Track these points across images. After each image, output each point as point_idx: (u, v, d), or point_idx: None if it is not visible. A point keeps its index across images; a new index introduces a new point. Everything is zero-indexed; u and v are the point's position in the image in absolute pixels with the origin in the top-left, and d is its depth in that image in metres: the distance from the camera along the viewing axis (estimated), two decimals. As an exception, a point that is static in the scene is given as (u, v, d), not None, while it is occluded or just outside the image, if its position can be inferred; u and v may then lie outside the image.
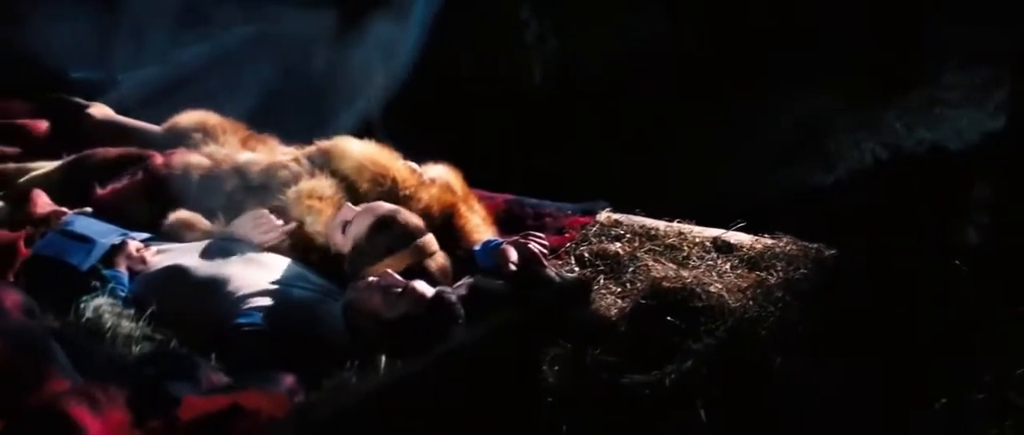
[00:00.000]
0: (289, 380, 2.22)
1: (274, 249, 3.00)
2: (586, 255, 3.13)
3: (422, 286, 2.72)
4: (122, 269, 2.87)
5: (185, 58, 4.19)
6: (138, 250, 2.94)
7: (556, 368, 2.51)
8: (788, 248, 3.12)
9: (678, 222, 3.32)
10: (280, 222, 3.00)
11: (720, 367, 2.62)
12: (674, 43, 4.50)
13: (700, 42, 4.52)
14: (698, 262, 3.07)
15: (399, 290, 2.70)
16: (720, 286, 2.81)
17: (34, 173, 3.41)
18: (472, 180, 3.39)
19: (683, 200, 3.51)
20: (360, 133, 3.34)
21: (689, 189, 4.00)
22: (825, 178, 4.43)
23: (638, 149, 4.34)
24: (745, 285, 2.87)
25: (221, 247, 2.95)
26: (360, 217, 2.96)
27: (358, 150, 3.21)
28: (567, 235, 3.24)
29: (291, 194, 3.09)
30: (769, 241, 3.18)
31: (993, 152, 4.11)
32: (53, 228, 3.00)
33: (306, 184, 3.12)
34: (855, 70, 4.45)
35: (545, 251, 2.96)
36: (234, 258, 2.89)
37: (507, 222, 3.36)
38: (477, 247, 3.03)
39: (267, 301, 2.76)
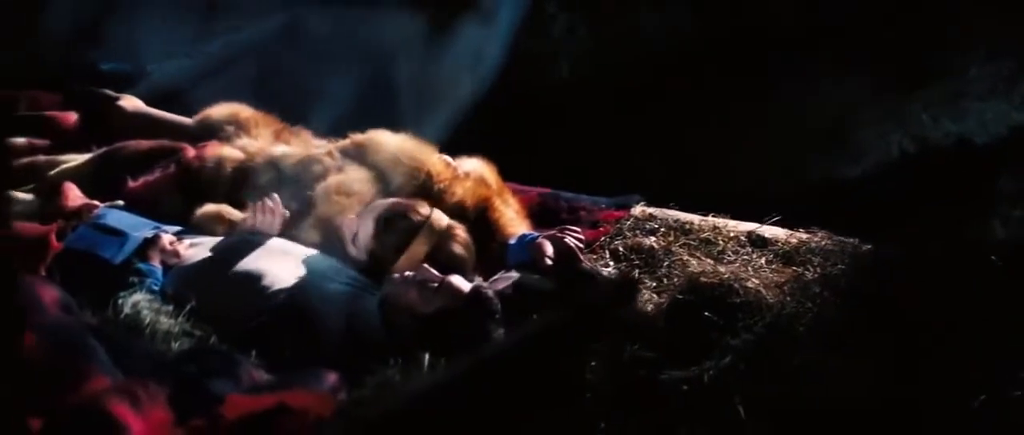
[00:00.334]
0: (332, 378, 2.20)
1: (308, 243, 2.99)
2: (621, 249, 3.12)
3: (459, 281, 2.71)
4: (155, 263, 2.86)
5: (214, 49, 4.17)
6: (171, 243, 2.92)
7: (593, 364, 2.50)
8: (823, 243, 3.10)
9: (713, 216, 3.30)
10: (282, 210, 2.97)
11: (758, 363, 2.61)
12: (701, 35, 4.48)
13: (726, 34, 4.49)
14: (733, 257, 3.05)
15: (435, 285, 2.68)
16: (757, 281, 2.80)
17: (65, 166, 3.40)
18: (503, 174, 3.36)
19: (710, 193, 3.50)
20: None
21: (716, 181, 3.98)
22: (852, 170, 4.40)
23: (665, 142, 4.31)
24: (782, 280, 2.85)
25: (254, 241, 2.94)
26: (362, 223, 2.95)
27: (393, 143, 3.19)
28: (601, 229, 3.23)
29: (319, 191, 3.08)
30: (804, 235, 3.17)
31: (1019, 144, 4.09)
32: (85, 221, 2.99)
33: (334, 179, 3.10)
34: (880, 62, 4.42)
35: (581, 245, 2.95)
36: (269, 252, 2.87)
37: (541, 216, 3.34)
38: (512, 241, 3.01)
39: (302, 296, 2.74)
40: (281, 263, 2.84)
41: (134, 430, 2.05)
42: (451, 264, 2.84)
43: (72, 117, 3.77)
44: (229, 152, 3.30)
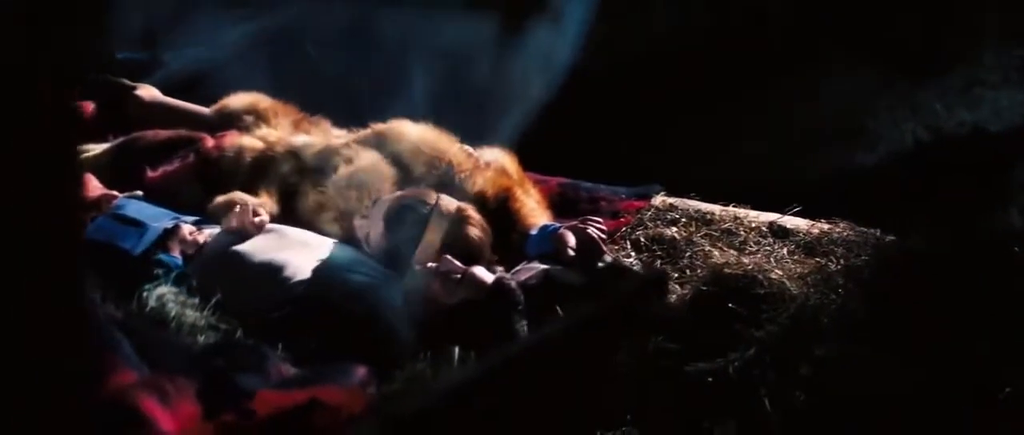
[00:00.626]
0: (361, 372, 2.18)
1: (329, 235, 2.98)
2: (642, 240, 3.11)
3: (482, 272, 2.70)
4: (176, 254, 2.84)
5: (232, 38, 4.15)
6: (191, 234, 2.90)
7: (618, 356, 2.49)
8: (845, 233, 3.10)
9: (734, 206, 3.29)
10: (260, 217, 2.94)
11: (783, 355, 2.60)
12: (715, 25, 4.46)
13: (740, 23, 4.47)
14: (755, 247, 3.05)
15: (458, 276, 2.68)
16: (780, 273, 2.79)
17: (82, 156, 3.38)
18: (523, 164, 3.35)
19: (723, 182, 3.49)
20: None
21: (730, 171, 3.96)
22: (867, 159, 4.39)
23: (677, 132, 4.30)
24: (805, 272, 2.85)
25: (276, 231, 2.93)
26: (371, 223, 2.93)
27: (414, 133, 3.18)
28: (622, 219, 3.22)
29: (332, 185, 3.06)
30: (826, 226, 3.16)
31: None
32: (104, 212, 2.96)
33: (345, 170, 3.09)
34: (893, 51, 4.40)
35: (603, 236, 2.94)
36: (289, 243, 2.86)
37: (561, 206, 3.33)
38: (533, 231, 3.00)
39: (324, 287, 2.73)
40: (302, 254, 2.83)
41: (162, 425, 2.02)
42: (468, 248, 2.83)
43: (89, 107, 3.75)
44: (248, 142, 3.29)
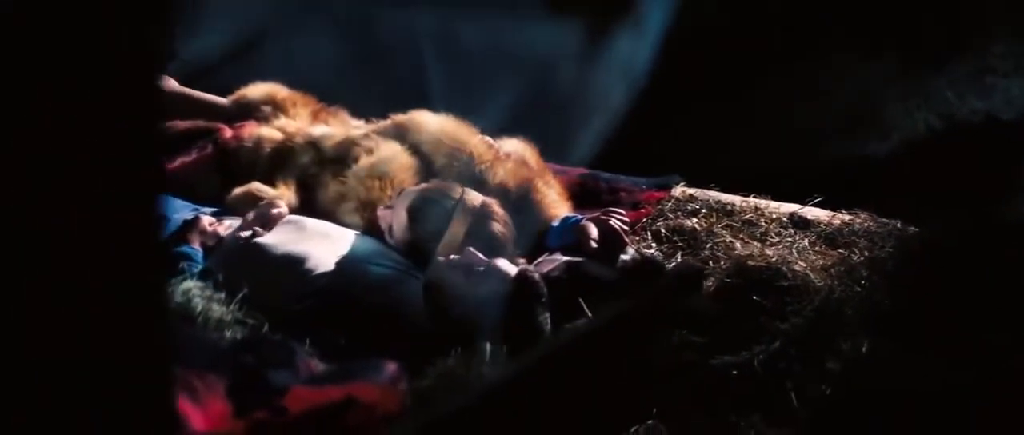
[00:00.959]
0: (392, 368, 2.15)
1: (350, 226, 2.96)
2: (663, 231, 3.09)
3: (505, 265, 2.69)
4: (195, 245, 2.83)
5: (248, 27, 4.12)
6: (211, 225, 2.89)
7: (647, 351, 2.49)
8: (867, 224, 3.09)
9: (754, 197, 3.28)
10: (279, 209, 2.92)
11: (809, 348, 2.60)
12: (725, 15, 4.44)
13: (751, 14, 4.46)
14: (777, 238, 3.03)
15: (481, 269, 2.66)
16: (804, 265, 2.79)
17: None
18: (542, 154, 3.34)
19: (740, 171, 3.47)
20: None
21: (746, 160, 3.96)
22: (880, 147, 4.38)
23: (689, 122, 4.29)
24: (828, 263, 2.84)
25: (295, 222, 2.91)
26: (395, 215, 2.92)
27: (435, 123, 3.16)
28: (643, 210, 3.20)
29: (353, 176, 3.05)
30: (847, 217, 3.15)
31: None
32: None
33: (366, 161, 3.07)
34: (905, 39, 4.39)
35: (626, 228, 2.92)
36: (310, 235, 2.84)
37: (581, 197, 3.31)
38: (555, 223, 2.99)
39: (346, 280, 2.72)
40: (323, 245, 2.81)
41: (193, 422, 2.00)
42: (492, 243, 2.81)
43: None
44: (267, 132, 3.27)
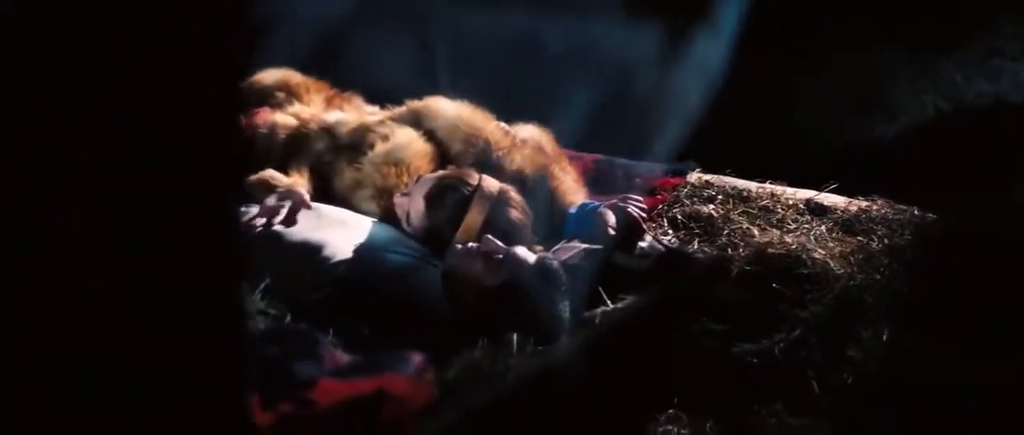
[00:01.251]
0: (418, 359, 2.14)
1: (367, 213, 2.94)
2: (679, 217, 3.08)
3: (523, 252, 2.67)
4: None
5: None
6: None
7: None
8: (883, 211, 3.08)
9: (770, 183, 3.27)
10: (303, 191, 2.90)
11: (829, 337, 2.59)
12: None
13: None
14: (794, 225, 3.02)
15: (500, 257, 2.65)
16: (823, 252, 2.78)
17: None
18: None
19: (750, 157, 3.46)
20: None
21: (755, 144, 3.94)
22: (888, 130, 4.37)
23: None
24: (847, 251, 2.83)
25: (313, 210, 2.88)
26: (412, 202, 2.90)
27: (450, 110, 3.13)
28: (659, 196, 3.19)
29: (368, 163, 3.02)
30: (863, 203, 3.14)
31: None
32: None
33: (382, 147, 3.05)
34: (912, 21, 4.38)
35: (643, 215, 2.91)
36: (327, 222, 2.82)
37: (596, 183, 3.29)
38: (572, 210, 2.97)
39: (364, 268, 2.70)
40: (341, 233, 2.79)
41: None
42: (510, 230, 2.80)
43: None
44: (282, 119, 3.24)
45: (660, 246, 2.82)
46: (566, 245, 2.83)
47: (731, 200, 3.14)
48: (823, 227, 3.00)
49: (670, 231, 3.01)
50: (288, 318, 2.40)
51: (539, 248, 2.82)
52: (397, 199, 2.89)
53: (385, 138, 3.05)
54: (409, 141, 3.04)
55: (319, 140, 3.13)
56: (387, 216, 2.91)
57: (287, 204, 2.77)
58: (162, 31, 1.09)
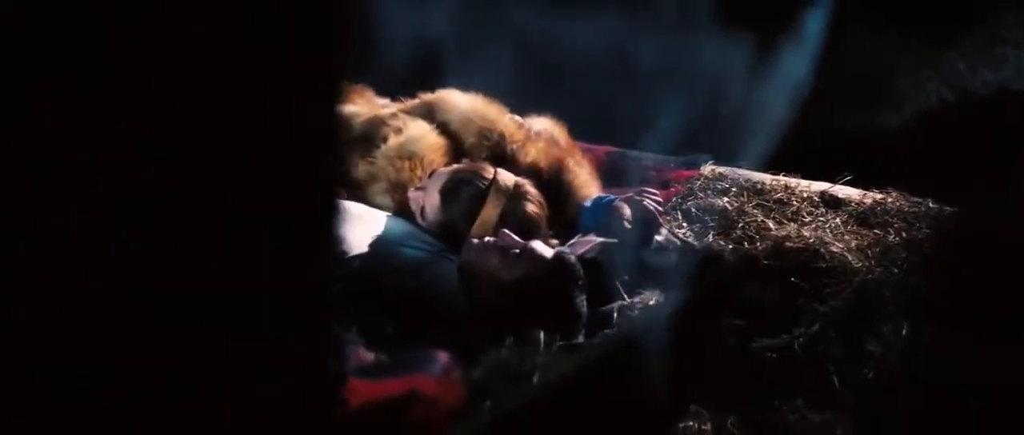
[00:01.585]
0: (444, 358, 2.12)
1: (381, 207, 2.91)
2: (693, 210, 3.06)
3: (541, 247, 2.65)
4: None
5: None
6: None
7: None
8: (899, 204, 3.06)
9: (784, 175, 3.25)
10: None
11: (849, 331, 2.58)
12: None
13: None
14: (809, 218, 3.01)
15: (517, 251, 2.62)
16: (841, 246, 2.76)
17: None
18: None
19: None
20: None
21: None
22: (893, 120, 4.37)
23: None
24: (864, 244, 2.82)
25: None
26: (427, 196, 2.87)
27: (464, 102, 3.09)
28: (672, 189, 3.17)
29: (381, 157, 2.99)
30: (878, 195, 3.13)
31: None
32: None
33: (395, 141, 3.01)
34: (915, 9, 4.37)
35: (660, 208, 2.89)
36: (344, 217, 2.79)
37: (609, 175, 3.27)
38: (587, 203, 2.95)
39: (378, 262, 2.67)
40: (355, 226, 2.76)
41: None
42: (526, 224, 2.77)
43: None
44: (292, 112, 3.20)
45: (676, 239, 2.80)
46: (582, 239, 2.81)
47: (745, 193, 3.12)
48: (838, 220, 2.98)
49: (685, 224, 2.99)
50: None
51: (554, 242, 2.80)
52: (411, 193, 2.87)
53: (398, 131, 3.02)
54: (422, 134, 3.01)
55: (331, 133, 3.09)
56: (401, 210, 2.88)
57: None
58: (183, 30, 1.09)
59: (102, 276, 1.11)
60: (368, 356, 2.22)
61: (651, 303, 2.40)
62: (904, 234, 2.84)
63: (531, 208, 2.78)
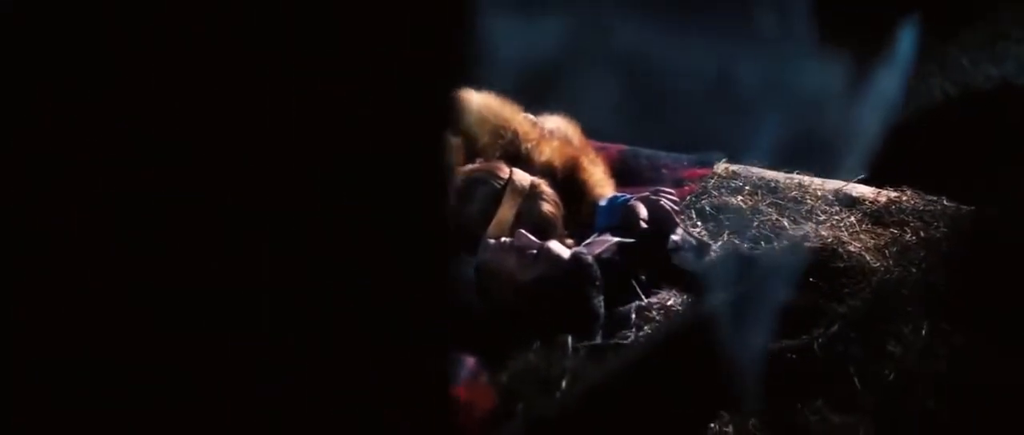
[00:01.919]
0: (471, 362, 2.10)
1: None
2: (707, 209, 3.04)
3: (557, 247, 2.64)
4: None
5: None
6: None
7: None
8: (913, 202, 3.04)
9: (797, 173, 3.23)
10: None
11: (868, 331, 2.57)
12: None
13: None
14: (824, 217, 2.99)
15: (534, 252, 2.61)
16: (858, 245, 2.75)
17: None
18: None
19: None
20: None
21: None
22: (897, 117, 4.35)
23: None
24: (881, 243, 2.80)
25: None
26: None
27: (477, 101, 3.07)
28: (686, 188, 3.15)
29: None
30: (893, 194, 3.11)
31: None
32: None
33: None
34: (916, 5, 4.36)
35: (676, 208, 2.87)
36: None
37: (622, 174, 3.25)
38: (602, 202, 2.93)
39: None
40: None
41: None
42: (542, 224, 2.76)
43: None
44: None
45: (691, 239, 2.79)
46: (598, 238, 2.79)
47: (759, 191, 3.10)
48: (853, 218, 2.96)
49: (699, 223, 2.97)
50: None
51: (570, 242, 2.79)
52: None
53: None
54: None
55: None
56: None
57: None
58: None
59: (102, 276, 1.11)
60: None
61: (669, 303, 2.38)
62: (921, 233, 2.82)
63: (547, 208, 2.76)
